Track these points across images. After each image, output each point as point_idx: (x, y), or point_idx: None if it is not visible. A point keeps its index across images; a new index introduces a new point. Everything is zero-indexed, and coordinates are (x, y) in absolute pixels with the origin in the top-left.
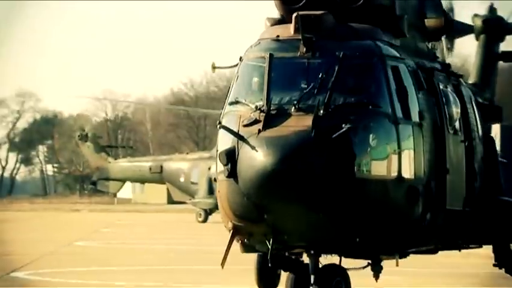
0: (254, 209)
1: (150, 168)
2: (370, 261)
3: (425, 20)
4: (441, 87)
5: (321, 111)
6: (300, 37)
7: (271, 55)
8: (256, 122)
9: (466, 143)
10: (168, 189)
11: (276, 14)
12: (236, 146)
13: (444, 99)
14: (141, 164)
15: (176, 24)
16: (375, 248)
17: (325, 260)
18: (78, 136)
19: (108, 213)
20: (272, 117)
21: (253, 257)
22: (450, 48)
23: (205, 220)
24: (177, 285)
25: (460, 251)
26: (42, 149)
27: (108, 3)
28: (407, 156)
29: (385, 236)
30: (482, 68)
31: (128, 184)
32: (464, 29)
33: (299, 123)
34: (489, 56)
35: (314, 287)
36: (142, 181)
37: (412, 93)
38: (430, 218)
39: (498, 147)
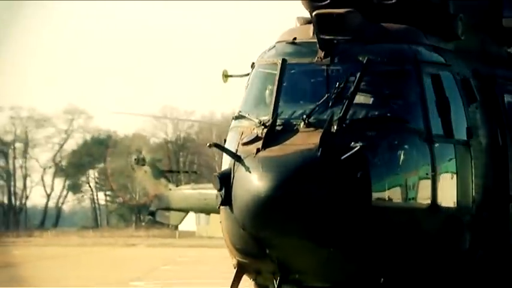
0: (254, 242)
1: (217, 197)
2: None
3: (503, 20)
4: (509, 99)
5: (335, 127)
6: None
7: (283, 61)
8: (257, 139)
9: None
10: None
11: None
12: (232, 168)
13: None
14: (207, 191)
15: (244, 36)
16: None
17: None
18: (135, 159)
19: (168, 248)
20: (276, 134)
21: None
22: None
23: None
24: None
25: None
26: (93, 174)
27: (169, 15)
28: (447, 180)
29: (416, 276)
30: None
31: (191, 215)
32: None
33: (306, 140)
34: None
35: None
36: (208, 211)
37: (458, 106)
38: (484, 256)
39: None
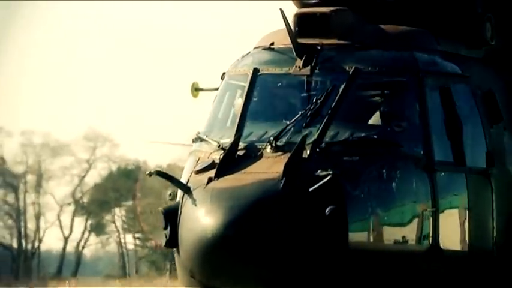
0: None
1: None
2: None
3: None
4: None
5: (307, 151)
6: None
7: (255, 71)
8: (212, 166)
9: None
10: None
11: None
12: (180, 202)
13: None
14: None
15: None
16: None
17: None
18: (169, 195)
19: None
20: (236, 160)
21: None
22: None
23: None
24: None
25: None
26: (119, 212)
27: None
28: (454, 218)
29: None
30: None
31: None
32: None
33: (269, 168)
34: None
35: None
36: None
37: (475, 126)
38: None
39: None
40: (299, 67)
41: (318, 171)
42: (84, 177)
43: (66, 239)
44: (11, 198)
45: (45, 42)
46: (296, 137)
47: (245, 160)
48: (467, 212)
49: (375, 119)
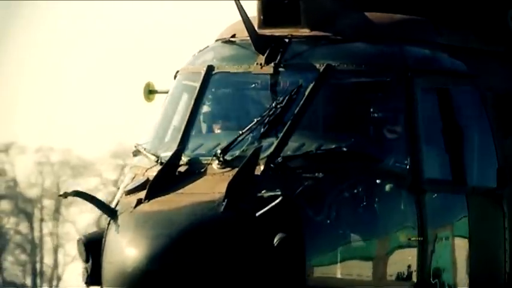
0: None
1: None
2: None
3: None
4: None
5: (261, 167)
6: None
7: (208, 69)
8: (145, 185)
9: None
10: None
11: None
12: (106, 229)
13: None
14: None
15: None
16: None
17: None
18: None
19: None
20: (174, 177)
21: None
22: None
23: None
24: None
25: None
26: None
27: None
28: (448, 248)
29: None
30: None
31: None
32: None
33: (211, 188)
34: None
35: None
36: None
37: (484, 136)
38: None
39: None
40: (261, 64)
41: (266, 192)
42: (111, 201)
43: None
44: (24, 227)
45: (63, 43)
46: (250, 150)
47: (185, 178)
48: (467, 241)
49: (350, 127)
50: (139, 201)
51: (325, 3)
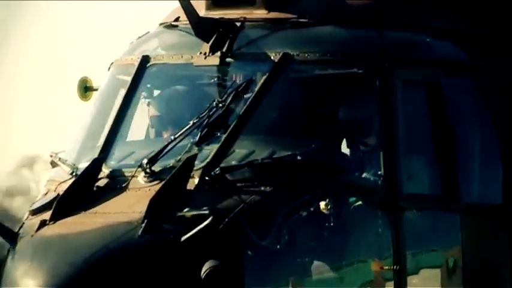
0: None
1: None
2: None
3: None
4: None
5: (195, 180)
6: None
7: (143, 61)
8: (52, 204)
9: None
10: None
11: None
12: (6, 255)
13: None
14: None
15: None
16: None
17: None
18: None
19: None
20: (90, 193)
21: None
22: None
23: None
24: None
25: None
26: None
27: None
28: (435, 280)
29: None
30: None
31: None
32: None
33: (131, 206)
34: None
35: None
36: None
37: (486, 141)
38: None
39: None
40: (205, 54)
41: (196, 210)
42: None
43: None
44: None
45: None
46: (181, 157)
47: (103, 193)
48: (460, 272)
49: (310, 131)
50: (42, 223)
51: None
